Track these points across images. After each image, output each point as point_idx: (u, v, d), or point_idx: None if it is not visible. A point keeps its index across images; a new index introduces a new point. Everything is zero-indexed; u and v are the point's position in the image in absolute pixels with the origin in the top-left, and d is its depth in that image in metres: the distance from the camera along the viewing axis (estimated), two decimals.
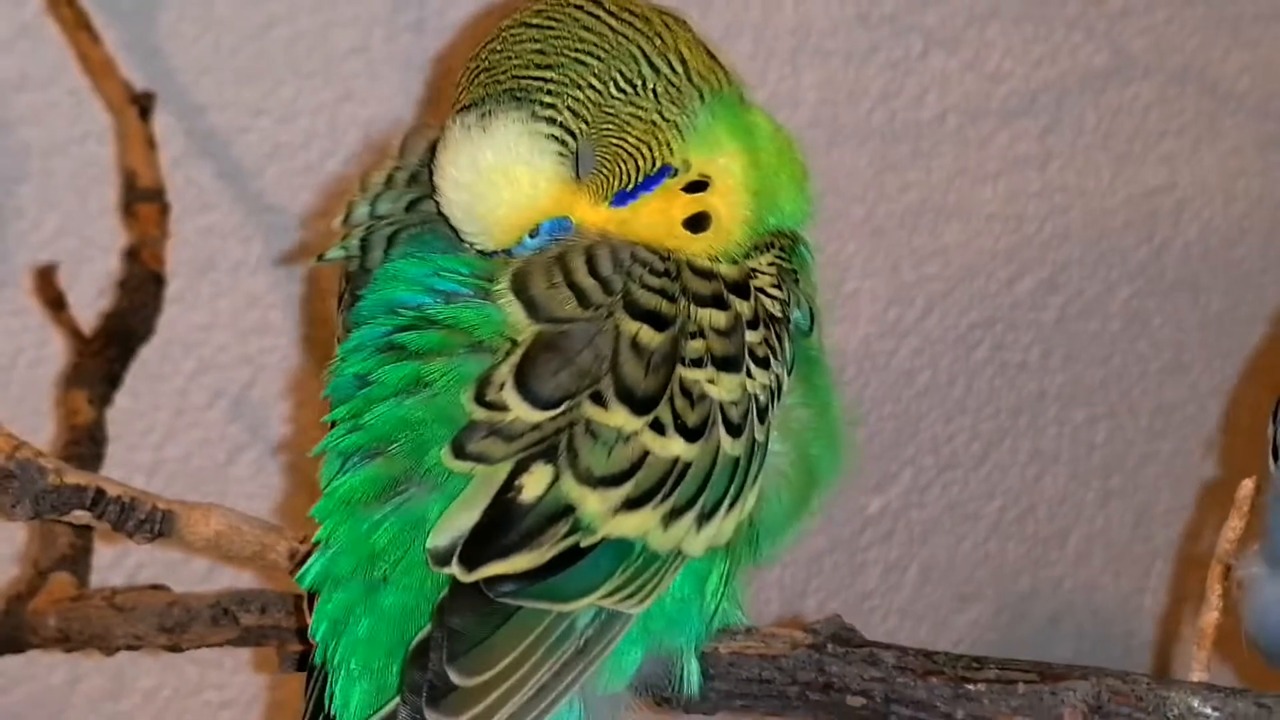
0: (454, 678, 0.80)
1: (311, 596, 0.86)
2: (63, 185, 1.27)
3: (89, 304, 1.27)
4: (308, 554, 0.86)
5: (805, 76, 1.44)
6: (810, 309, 0.92)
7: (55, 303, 1.23)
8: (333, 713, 0.84)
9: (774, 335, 0.88)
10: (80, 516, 0.90)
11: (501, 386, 0.83)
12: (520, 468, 0.82)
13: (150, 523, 0.91)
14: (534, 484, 0.82)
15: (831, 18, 1.44)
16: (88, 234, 1.28)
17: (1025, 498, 1.62)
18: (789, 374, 0.90)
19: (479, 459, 0.82)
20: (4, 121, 1.25)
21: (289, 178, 1.32)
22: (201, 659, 1.34)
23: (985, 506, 1.60)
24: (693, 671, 0.90)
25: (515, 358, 0.83)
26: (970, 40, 1.49)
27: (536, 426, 0.83)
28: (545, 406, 0.83)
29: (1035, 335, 1.58)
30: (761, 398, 0.87)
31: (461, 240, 0.87)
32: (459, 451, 0.82)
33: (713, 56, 0.91)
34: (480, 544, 0.81)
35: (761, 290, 0.89)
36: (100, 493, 0.90)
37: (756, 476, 0.88)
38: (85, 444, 1.17)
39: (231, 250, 1.32)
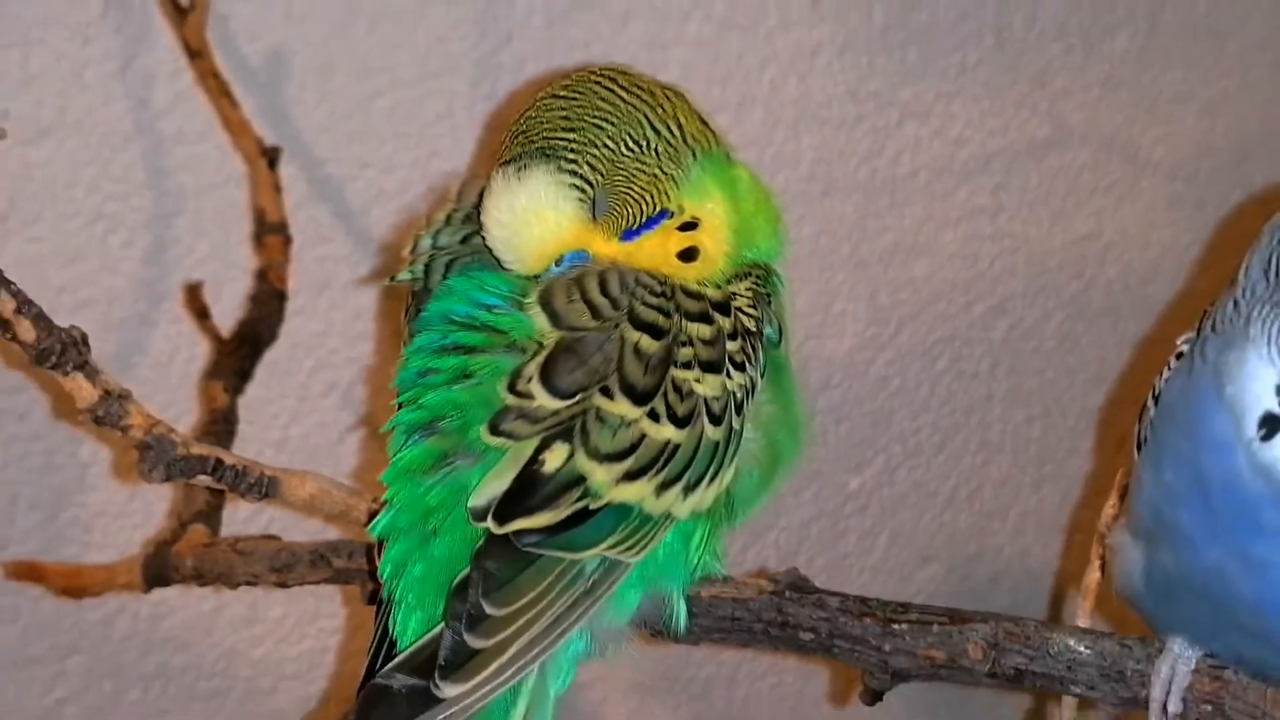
0: (487, 608, 0.82)
1: (380, 544, 0.88)
2: (210, 220, 1.28)
3: (230, 315, 1.28)
4: (378, 510, 0.88)
5: (804, 140, 1.45)
6: (780, 326, 0.93)
7: (200, 313, 1.25)
8: (394, 637, 0.85)
9: (749, 345, 0.89)
10: (203, 480, 0.91)
11: (529, 379, 0.84)
12: (543, 445, 0.84)
13: (258, 486, 0.92)
14: (554, 458, 0.84)
15: (826, 93, 1.44)
16: (229, 259, 1.28)
17: (974, 480, 1.62)
18: (761, 376, 0.91)
19: (510, 436, 0.84)
20: (166, 169, 1.26)
21: (388, 217, 1.32)
22: (318, 593, 1.36)
23: (942, 486, 1.60)
24: (680, 611, 0.91)
25: (541, 357, 0.85)
26: (938, 113, 1.49)
27: (556, 412, 0.84)
28: (564, 397, 0.84)
29: (985, 350, 1.58)
30: (738, 395, 0.88)
31: (502, 267, 0.89)
32: (494, 429, 0.84)
33: (705, 123, 0.92)
34: (510, 504, 0.83)
35: (740, 310, 0.90)
36: (219, 461, 0.91)
37: (733, 457, 0.89)
38: (220, 424, 1.18)
39: (342, 274, 1.33)
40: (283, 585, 1.03)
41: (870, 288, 1.51)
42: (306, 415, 1.35)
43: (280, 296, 1.25)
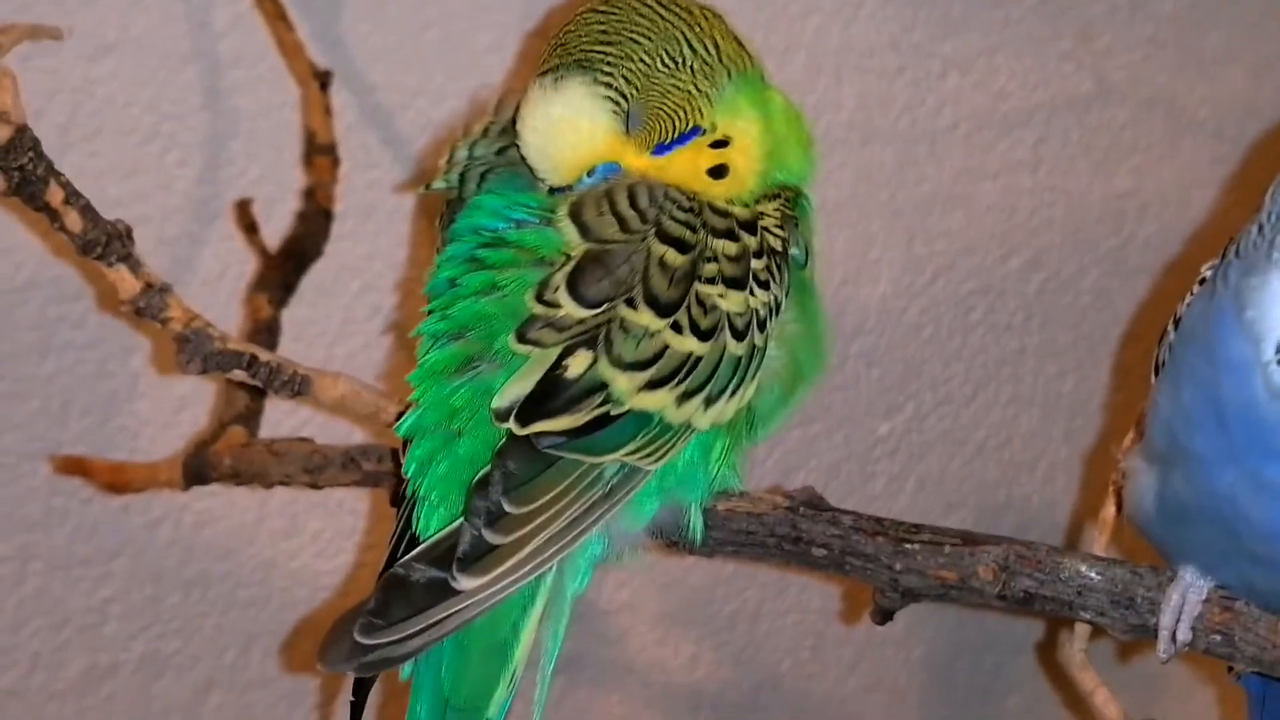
0: (506, 506, 0.82)
1: (406, 443, 0.88)
2: (263, 141, 1.27)
3: (279, 234, 1.27)
4: (404, 410, 0.88)
5: (846, 88, 1.44)
6: (806, 248, 0.92)
7: (250, 228, 1.25)
8: (417, 532, 0.86)
9: (774, 264, 0.89)
10: (238, 375, 0.92)
11: (557, 289, 0.84)
12: (567, 351, 0.84)
13: (292, 383, 0.93)
14: (577, 364, 0.83)
15: (869, 42, 1.43)
16: (281, 180, 1.28)
17: (1004, 431, 1.61)
18: (786, 295, 0.90)
19: (536, 344, 0.84)
20: (221, 90, 1.26)
21: (438, 146, 1.32)
22: (356, 510, 1.36)
23: (972, 435, 1.59)
24: (697, 522, 0.91)
25: (569, 267, 0.85)
26: (980, 66, 1.48)
27: (582, 321, 0.84)
28: (590, 306, 0.84)
29: (1019, 303, 1.57)
30: (761, 312, 0.88)
31: (536, 178, 0.88)
32: (521, 337, 0.84)
33: (741, 44, 0.91)
34: (533, 407, 0.83)
35: (767, 229, 0.89)
36: (254, 357, 0.92)
37: (755, 372, 0.89)
38: (264, 335, 1.19)
39: (389, 200, 1.32)
40: (314, 486, 1.03)
41: (907, 236, 1.50)
42: (350, 336, 1.35)
43: (326, 215, 1.25)
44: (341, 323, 1.34)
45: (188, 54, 1.24)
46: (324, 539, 1.37)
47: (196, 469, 1.08)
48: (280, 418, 1.28)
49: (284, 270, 1.22)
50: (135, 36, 1.22)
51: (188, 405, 1.28)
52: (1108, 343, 1.62)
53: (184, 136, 1.26)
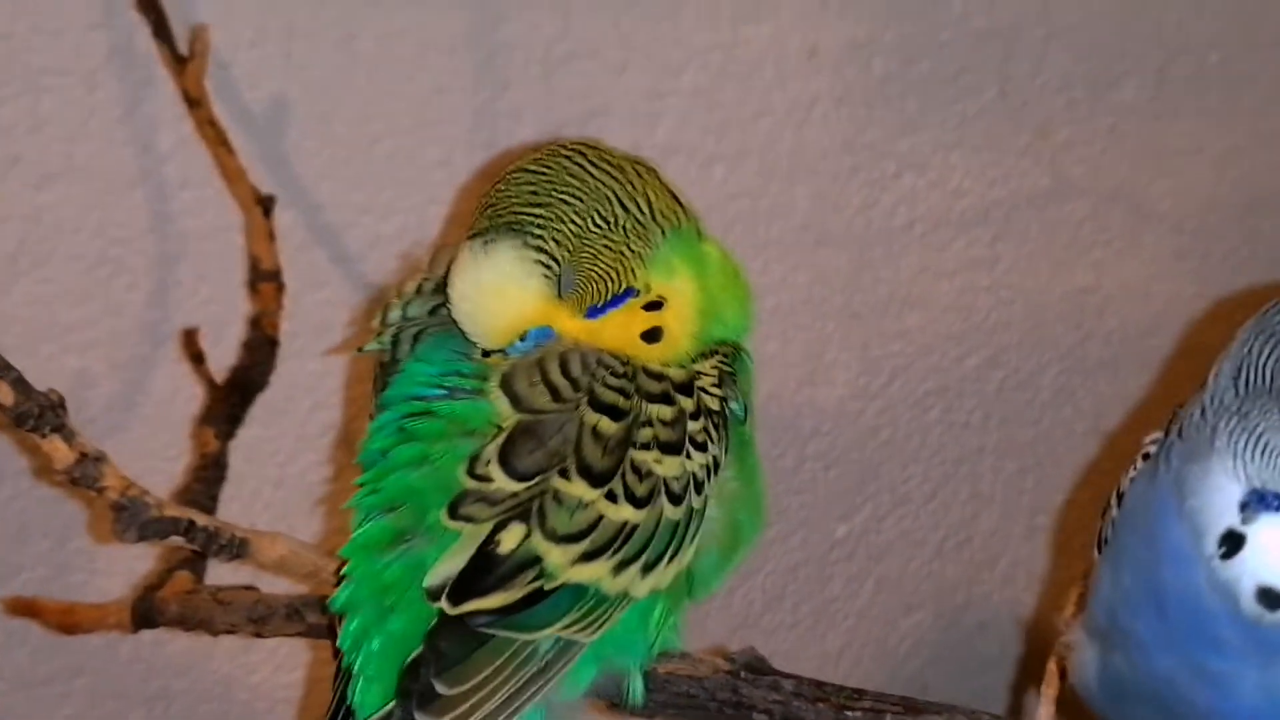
0: (439, 687, 0.81)
1: (341, 616, 0.87)
2: (211, 264, 1.27)
3: (229, 357, 1.26)
4: (339, 582, 0.87)
5: (799, 190, 1.43)
6: (745, 403, 0.91)
7: (196, 358, 1.24)
8: (352, 708, 0.84)
9: (711, 424, 0.88)
10: (176, 541, 0.91)
11: (488, 462, 0.83)
12: (500, 526, 0.82)
13: (230, 547, 0.92)
14: (510, 539, 0.82)
15: (822, 144, 1.42)
16: (229, 303, 1.27)
17: (964, 530, 1.60)
18: (726, 453, 0.89)
19: (468, 519, 0.83)
20: (169, 214, 1.25)
21: (386, 262, 1.31)
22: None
23: (931, 535, 1.58)
24: (637, 686, 0.90)
25: (500, 439, 0.84)
26: (936, 164, 1.47)
27: (514, 494, 0.83)
28: (522, 479, 0.83)
29: (978, 402, 1.56)
30: (699, 474, 0.87)
31: (469, 341, 0.87)
32: (453, 513, 0.83)
33: (676, 198, 0.90)
34: (465, 584, 0.82)
35: (703, 389, 0.88)
36: (192, 523, 0.91)
37: (694, 535, 0.87)
38: (211, 469, 1.18)
39: (340, 316, 1.32)
40: (259, 635, 1.02)
41: (863, 338, 1.49)
42: (304, 453, 1.34)
43: (272, 343, 1.24)
44: (295, 440, 1.33)
45: (133, 178, 1.23)
46: (281, 654, 1.36)
47: (144, 614, 1.07)
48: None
49: (230, 402, 1.21)
50: (80, 164, 1.21)
51: None
52: (1069, 439, 1.61)
53: (131, 260, 1.25)
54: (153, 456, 1.27)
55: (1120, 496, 0.84)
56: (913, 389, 1.52)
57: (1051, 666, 0.93)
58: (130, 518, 0.89)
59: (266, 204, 1.23)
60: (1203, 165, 1.58)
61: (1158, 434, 0.83)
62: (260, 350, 1.22)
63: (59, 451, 0.88)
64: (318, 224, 1.29)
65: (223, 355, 1.26)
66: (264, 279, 1.23)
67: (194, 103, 1.20)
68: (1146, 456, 0.83)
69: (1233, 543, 0.74)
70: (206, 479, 1.16)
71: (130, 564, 1.28)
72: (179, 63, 1.19)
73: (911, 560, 1.58)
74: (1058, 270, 1.54)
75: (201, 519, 0.91)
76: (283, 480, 1.34)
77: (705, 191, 1.37)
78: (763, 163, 1.41)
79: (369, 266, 1.31)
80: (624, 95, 1.34)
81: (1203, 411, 0.77)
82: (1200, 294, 1.59)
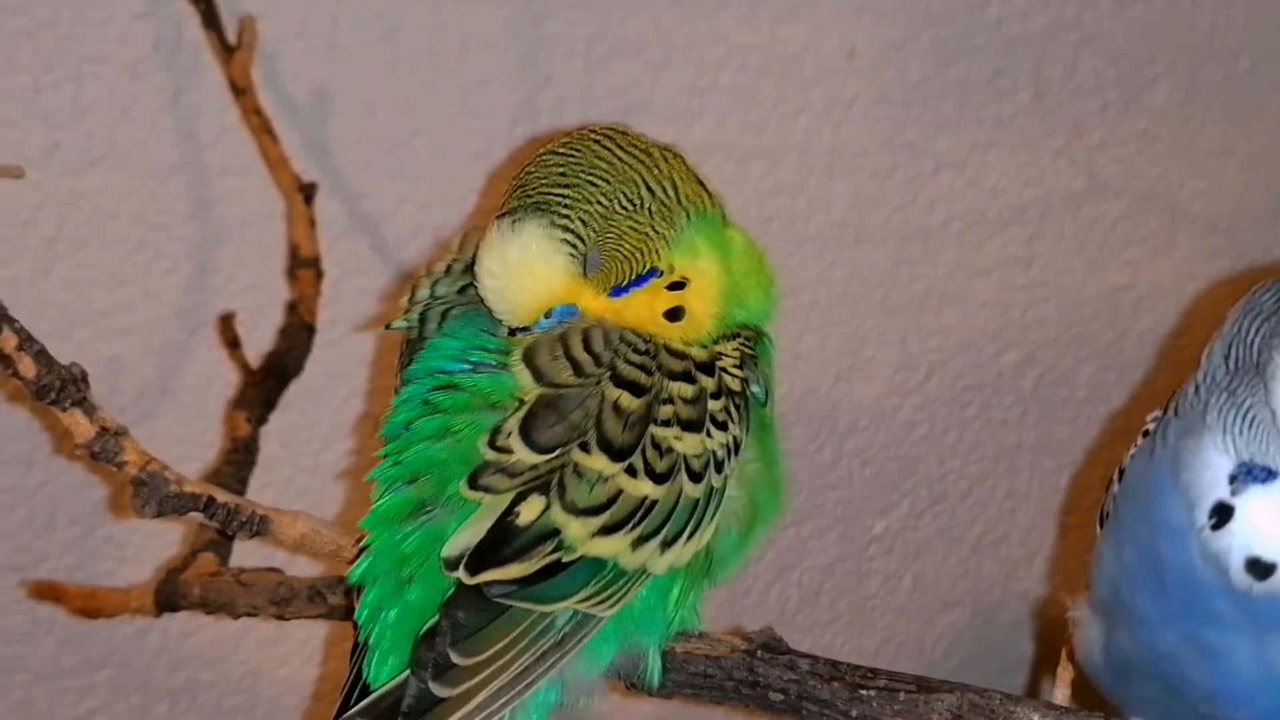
0: (454, 657, 0.80)
1: (359, 588, 0.87)
2: (250, 251, 1.28)
3: (266, 343, 1.27)
4: (358, 555, 0.87)
5: (838, 186, 1.42)
6: (766, 387, 0.91)
7: (232, 343, 1.25)
8: (368, 680, 0.84)
9: (732, 405, 0.87)
10: (195, 517, 0.90)
11: (509, 434, 0.83)
12: (519, 498, 0.82)
13: (250, 524, 0.91)
14: (529, 511, 0.82)
15: (861, 141, 1.42)
16: (267, 290, 1.28)
17: (1000, 527, 1.59)
18: (746, 434, 0.89)
19: (488, 490, 0.82)
20: (209, 200, 1.26)
21: (425, 251, 1.32)
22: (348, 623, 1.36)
23: (968, 532, 1.57)
24: (655, 665, 0.89)
25: (521, 413, 0.83)
26: (973, 163, 1.46)
27: (534, 467, 0.83)
28: (542, 451, 0.83)
29: (1015, 399, 1.55)
30: (719, 453, 0.86)
31: (496, 318, 0.87)
32: (473, 484, 0.83)
33: (702, 184, 0.90)
34: (483, 555, 0.81)
35: (725, 370, 0.88)
36: (211, 499, 0.90)
37: (714, 514, 0.87)
38: (242, 453, 1.18)
39: (378, 306, 1.32)
40: (281, 618, 1.02)
41: (900, 334, 1.48)
42: (339, 442, 1.34)
43: (309, 330, 1.24)
44: (329, 427, 1.34)
45: (175, 165, 1.24)
46: (310, 647, 1.36)
47: (167, 597, 1.07)
48: (256, 543, 1.27)
49: (264, 387, 1.21)
50: (122, 149, 1.22)
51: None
52: (1104, 437, 1.60)
53: (170, 247, 1.26)
54: (185, 443, 1.28)
55: (1121, 473, 0.84)
56: (950, 385, 1.51)
57: (1065, 650, 0.92)
58: (149, 493, 0.89)
59: (308, 191, 1.24)
60: (1234, 167, 1.57)
61: (1158, 412, 0.83)
62: (296, 336, 1.23)
63: (80, 426, 0.88)
64: (357, 213, 1.30)
65: (259, 342, 1.27)
66: (303, 265, 1.24)
67: (240, 91, 1.21)
68: (1146, 433, 0.83)
69: (1222, 514, 0.75)
70: (236, 462, 1.17)
71: (157, 551, 1.29)
72: (227, 52, 1.20)
73: (948, 557, 1.57)
74: (1093, 269, 1.54)
75: (221, 495, 0.90)
76: (316, 467, 1.34)
77: (744, 188, 1.37)
78: (801, 160, 1.41)
79: (407, 256, 1.31)
80: (664, 92, 1.34)
81: (1196, 389, 0.78)
82: (1233, 294, 1.58)
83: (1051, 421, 1.57)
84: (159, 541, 1.28)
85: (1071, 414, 1.58)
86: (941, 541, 1.56)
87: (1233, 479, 0.75)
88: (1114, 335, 1.57)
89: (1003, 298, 1.51)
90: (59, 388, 0.86)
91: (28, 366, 0.85)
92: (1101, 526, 0.85)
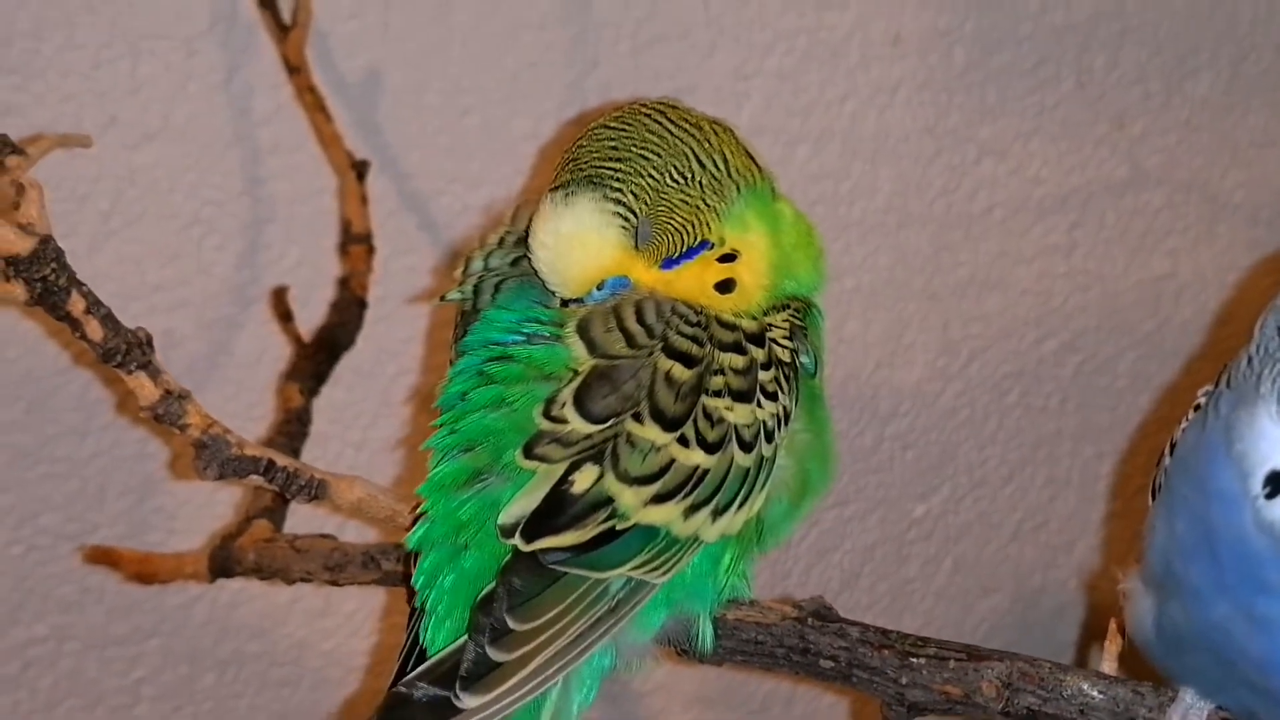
0: (511, 622, 0.81)
1: (415, 554, 0.87)
2: (301, 227, 1.28)
3: (316, 319, 1.28)
4: (415, 521, 0.88)
5: (882, 172, 1.43)
6: (816, 357, 0.91)
7: (285, 316, 1.25)
8: (425, 645, 0.85)
9: (782, 375, 0.88)
10: (255, 480, 0.91)
11: (564, 405, 0.84)
12: (574, 467, 0.83)
13: (308, 488, 0.92)
14: (583, 480, 0.83)
15: (904, 128, 1.42)
16: (318, 266, 1.29)
17: (1041, 514, 1.59)
18: (796, 404, 0.89)
19: (543, 459, 0.83)
20: (262, 177, 1.27)
21: (473, 230, 1.32)
22: (393, 591, 1.36)
23: (1008, 518, 1.57)
24: (707, 632, 0.89)
25: (576, 383, 0.84)
26: (1016, 151, 1.46)
27: (588, 436, 0.83)
28: (596, 421, 0.84)
29: (1055, 386, 1.55)
30: (769, 423, 0.87)
31: (548, 290, 0.88)
32: (528, 453, 0.83)
33: (751, 157, 0.90)
34: (539, 523, 0.82)
35: (775, 341, 0.88)
36: (271, 463, 0.91)
37: (764, 483, 0.88)
38: (294, 424, 1.19)
39: (428, 283, 1.33)
40: (335, 584, 1.03)
41: (942, 319, 1.48)
42: (387, 418, 1.35)
43: (360, 304, 1.25)
44: (379, 404, 1.34)
45: (229, 141, 1.25)
46: (357, 619, 1.37)
47: (221, 562, 1.08)
48: (309, 511, 1.28)
49: (316, 360, 1.22)
50: (177, 125, 1.23)
51: (223, 486, 1.29)
52: (1145, 425, 1.60)
53: (224, 222, 1.26)
54: (236, 416, 1.27)
55: (1173, 447, 0.84)
56: (991, 371, 1.51)
57: (1114, 623, 0.93)
58: (211, 455, 0.89)
59: (360, 168, 1.24)
60: (1275, 158, 1.56)
61: (1209, 386, 0.83)
62: (348, 310, 1.24)
63: (144, 388, 0.88)
64: (407, 191, 1.31)
65: (310, 317, 1.28)
66: (355, 241, 1.25)
67: (294, 70, 1.22)
68: (1197, 408, 0.83)
69: (1277, 483, 0.74)
70: (290, 433, 1.18)
71: (207, 523, 1.29)
72: (281, 31, 1.21)
73: (989, 543, 1.57)
74: (1134, 258, 1.53)
75: (281, 459, 0.91)
76: (364, 442, 1.35)
77: (789, 172, 1.38)
78: (846, 145, 1.41)
79: (456, 234, 1.32)
80: (710, 76, 1.35)
81: (1249, 360, 0.78)
82: (1275, 283, 1.58)
83: (1091, 409, 1.57)
84: (209, 513, 1.29)
85: (1112, 402, 1.58)
86: (981, 526, 1.56)
87: None
88: (1155, 324, 1.57)
89: (1044, 285, 1.51)
90: (125, 350, 0.87)
91: (95, 330, 0.86)
92: (1153, 499, 0.85)
